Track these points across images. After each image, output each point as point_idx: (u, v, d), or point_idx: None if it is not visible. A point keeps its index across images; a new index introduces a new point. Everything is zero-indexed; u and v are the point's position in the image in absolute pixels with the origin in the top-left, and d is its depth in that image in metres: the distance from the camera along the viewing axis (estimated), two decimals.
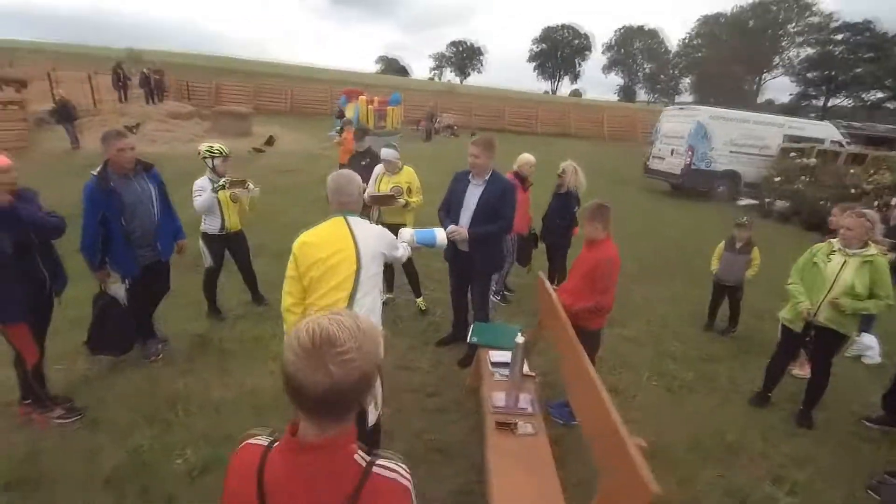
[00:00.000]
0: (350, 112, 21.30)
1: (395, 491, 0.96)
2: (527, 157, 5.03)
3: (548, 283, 3.35)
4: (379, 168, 4.65)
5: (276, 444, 1.00)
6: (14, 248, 2.55)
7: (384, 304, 4.83)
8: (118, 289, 3.29)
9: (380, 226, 2.39)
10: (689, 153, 11.85)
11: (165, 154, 11.83)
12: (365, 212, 4.51)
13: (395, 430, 3.01)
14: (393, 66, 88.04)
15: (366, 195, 4.37)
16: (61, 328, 3.40)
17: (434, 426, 3.14)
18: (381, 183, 4.56)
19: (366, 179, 4.88)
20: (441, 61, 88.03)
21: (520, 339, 2.81)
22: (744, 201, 11.75)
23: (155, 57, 33.08)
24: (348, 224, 2.26)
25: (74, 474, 2.57)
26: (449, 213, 3.71)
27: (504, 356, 3.12)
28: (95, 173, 3.10)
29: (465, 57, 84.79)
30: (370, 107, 21.10)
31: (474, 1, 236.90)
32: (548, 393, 3.60)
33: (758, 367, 3.92)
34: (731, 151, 12.00)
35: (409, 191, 4.52)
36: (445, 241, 3.08)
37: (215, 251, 4.18)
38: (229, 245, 4.26)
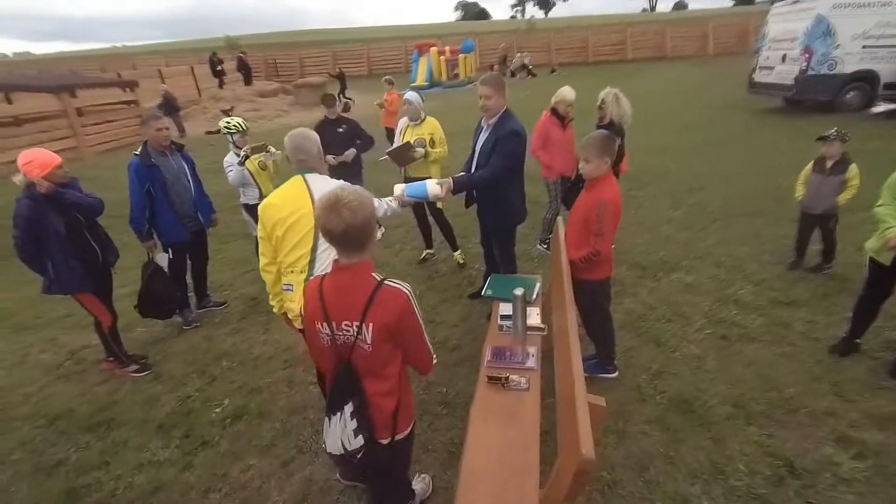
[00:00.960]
0: (422, 66, 21.06)
1: (398, 295, 1.56)
2: (564, 92, 4.55)
3: (561, 231, 3.08)
4: (404, 121, 4.54)
5: (327, 275, 1.63)
6: (66, 229, 2.96)
7: (423, 260, 4.90)
8: (162, 258, 3.70)
9: (341, 181, 2.25)
10: (806, 56, 9.83)
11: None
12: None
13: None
14: (471, 12, 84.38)
15: (382, 158, 4.32)
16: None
17: (447, 379, 3.15)
18: (405, 135, 4.46)
19: (342, 147, 4.84)
20: None
21: (518, 290, 2.63)
22: (881, 107, 9.56)
23: (249, 41, 35.36)
24: (306, 182, 2.25)
25: (137, 419, 3.03)
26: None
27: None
28: (137, 152, 3.48)
29: None
30: (441, 58, 20.64)
31: None
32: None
33: (848, 310, 3.27)
34: (865, 47, 9.71)
35: (433, 142, 4.37)
36: (439, 191, 2.93)
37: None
38: None
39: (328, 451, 1.68)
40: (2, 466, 2.72)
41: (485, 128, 3.33)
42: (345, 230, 1.48)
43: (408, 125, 4.48)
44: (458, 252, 4.79)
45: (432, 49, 20.83)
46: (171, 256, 3.75)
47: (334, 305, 1.56)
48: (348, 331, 1.55)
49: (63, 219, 2.96)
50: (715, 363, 3.15)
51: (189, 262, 4.07)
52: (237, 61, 21.86)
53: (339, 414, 1.60)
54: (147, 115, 3.68)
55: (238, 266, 5.12)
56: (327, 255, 2.22)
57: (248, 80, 21.62)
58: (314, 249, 2.23)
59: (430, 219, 4.74)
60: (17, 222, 2.87)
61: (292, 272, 2.28)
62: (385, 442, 1.68)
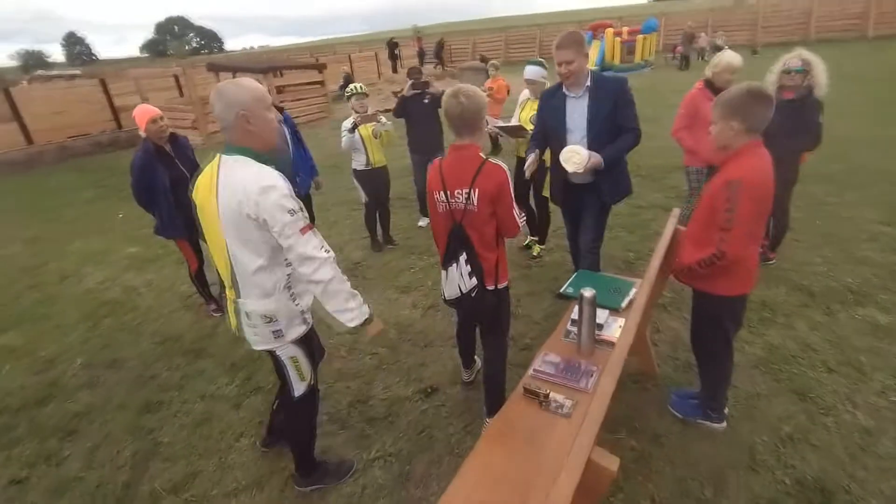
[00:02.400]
0: (594, 50, 19.61)
1: (500, 170, 1.98)
2: (727, 58, 3.58)
3: (672, 223, 2.37)
4: (525, 93, 4.12)
5: (445, 156, 2.10)
6: (171, 182, 3.29)
7: (527, 246, 4.40)
8: None
9: (268, 168, 1.64)
10: None
11: None
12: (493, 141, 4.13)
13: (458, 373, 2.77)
14: None
15: (491, 126, 3.95)
16: None
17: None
18: (525, 109, 4.04)
19: (426, 119, 4.73)
20: None
21: (588, 291, 2.10)
22: None
23: (435, 29, 37.49)
24: (219, 164, 1.67)
25: (220, 354, 3.31)
26: (542, 144, 3.01)
27: (599, 312, 2.42)
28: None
29: None
30: (617, 39, 18.91)
31: None
32: (671, 377, 2.67)
33: None
34: None
35: None
36: (581, 163, 2.67)
37: (366, 186, 4.54)
38: (373, 180, 4.54)
39: (446, 298, 2.25)
40: (119, 370, 3.23)
41: (572, 97, 2.77)
42: (461, 113, 1.96)
43: (528, 98, 4.05)
44: (542, 247, 4.30)
45: (608, 30, 19.20)
46: None
47: (450, 177, 2.04)
48: (460, 197, 2.03)
49: (168, 172, 3.28)
50: (892, 446, 2.14)
51: None
52: (418, 49, 23.34)
53: (454, 264, 2.12)
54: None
55: (355, 231, 5.31)
56: (250, 306, 1.77)
57: (421, 63, 22.92)
58: (233, 279, 1.76)
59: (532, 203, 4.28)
60: (132, 171, 3.25)
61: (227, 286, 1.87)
62: (491, 288, 2.16)
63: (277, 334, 1.83)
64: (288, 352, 1.90)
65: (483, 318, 2.37)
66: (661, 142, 6.02)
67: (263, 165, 1.65)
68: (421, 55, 23.08)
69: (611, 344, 2.25)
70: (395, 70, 22.62)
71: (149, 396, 2.90)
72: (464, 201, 2.02)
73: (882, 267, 3.60)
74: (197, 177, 1.75)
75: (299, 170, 3.98)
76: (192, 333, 3.60)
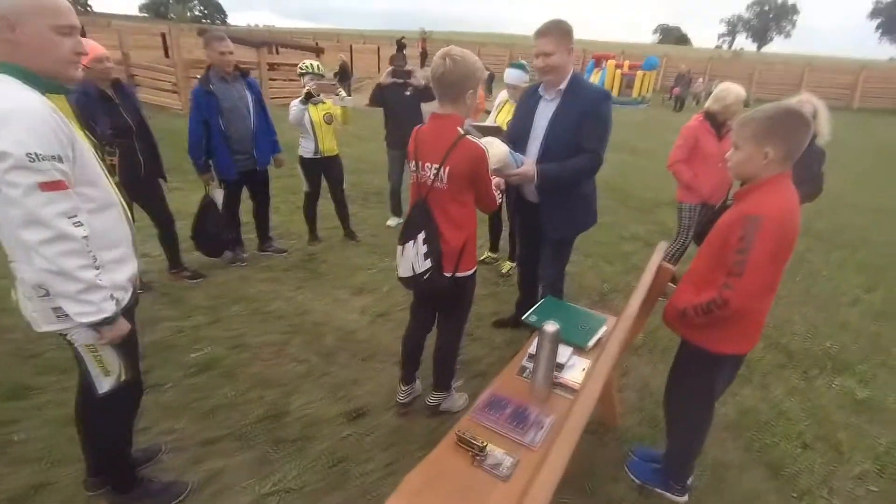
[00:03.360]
0: (594, 77, 19.71)
1: (475, 148, 1.86)
2: (736, 91, 3.35)
3: (657, 257, 2.06)
4: (503, 94, 3.80)
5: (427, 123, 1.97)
6: (113, 131, 2.83)
7: (483, 261, 4.06)
8: (217, 193, 3.50)
9: (26, 93, 1.25)
10: None
11: None
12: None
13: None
14: (672, 35, 78.43)
15: (467, 125, 3.60)
16: None
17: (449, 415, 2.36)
18: (502, 111, 3.72)
19: (407, 110, 4.35)
20: (735, 26, 73.57)
21: (551, 325, 1.76)
22: None
23: (442, 36, 37.35)
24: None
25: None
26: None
27: (562, 353, 2.08)
28: (199, 77, 3.29)
29: (770, 18, 68.49)
30: (618, 71, 19.05)
31: None
32: (634, 431, 2.35)
33: None
34: None
35: None
36: (520, 171, 2.27)
37: (311, 176, 4.09)
38: (324, 169, 4.13)
39: (400, 275, 2.07)
40: None
41: (546, 99, 2.39)
42: (443, 74, 1.80)
43: (506, 100, 3.73)
44: (512, 264, 3.97)
45: (610, 61, 19.37)
46: (224, 192, 3.55)
47: (424, 147, 1.92)
48: (428, 171, 1.90)
49: (110, 120, 2.83)
50: None
51: (254, 202, 3.89)
52: (421, 48, 23.13)
53: (412, 242, 1.95)
54: (209, 34, 3.31)
55: (319, 220, 4.87)
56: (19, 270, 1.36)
57: (422, 64, 22.68)
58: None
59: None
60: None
61: None
62: (448, 274, 1.99)
63: (58, 312, 1.38)
64: (82, 337, 1.45)
65: (438, 302, 2.23)
66: (653, 175, 5.84)
67: (31, 90, 1.23)
68: (423, 56, 22.89)
69: (570, 389, 1.91)
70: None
71: (21, 378, 2.42)
72: (431, 176, 1.90)
73: (862, 335, 3.40)
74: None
75: (258, 142, 3.53)
76: None
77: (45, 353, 2.62)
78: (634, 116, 14.52)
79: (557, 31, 2.20)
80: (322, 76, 3.99)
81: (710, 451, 2.24)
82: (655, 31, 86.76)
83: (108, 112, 2.82)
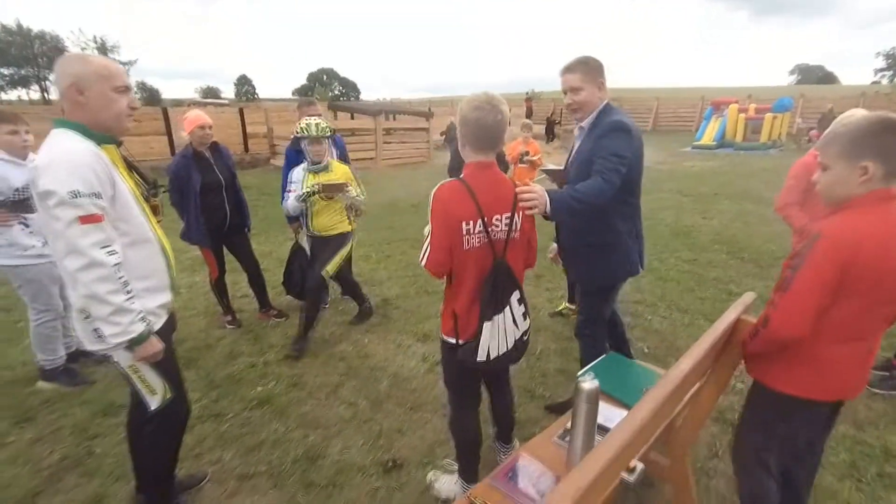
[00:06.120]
0: (713, 127, 18.29)
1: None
2: (852, 114, 2.79)
3: (736, 310, 1.69)
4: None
5: (463, 177, 1.67)
6: (202, 188, 3.25)
7: (561, 313, 3.70)
8: (305, 240, 3.79)
9: (84, 144, 1.48)
10: None
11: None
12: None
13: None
14: (813, 75, 70.65)
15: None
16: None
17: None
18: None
19: None
20: None
21: (589, 381, 1.51)
22: None
23: (550, 95, 38.24)
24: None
25: (204, 368, 3.10)
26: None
27: (612, 413, 1.79)
28: (292, 137, 3.68)
29: None
30: (742, 115, 17.45)
31: None
32: None
33: None
34: None
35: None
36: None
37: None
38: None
39: (484, 359, 1.69)
40: (107, 363, 3.14)
41: (578, 134, 2.21)
42: (498, 123, 1.61)
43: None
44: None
45: (731, 105, 17.88)
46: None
47: (486, 201, 1.62)
48: (499, 224, 1.66)
49: (203, 177, 3.26)
50: None
51: None
52: (527, 107, 23.88)
53: (506, 308, 1.69)
54: (301, 101, 3.70)
55: (402, 268, 5.03)
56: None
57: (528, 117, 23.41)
58: None
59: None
60: (168, 174, 3.26)
61: None
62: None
63: (97, 334, 1.51)
64: (123, 359, 1.61)
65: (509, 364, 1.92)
66: (780, 226, 5.03)
67: (84, 140, 1.47)
68: (529, 113, 23.59)
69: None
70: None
71: (115, 398, 2.74)
72: (504, 228, 1.67)
73: None
74: None
75: None
76: (194, 341, 3.47)
77: None
78: (762, 163, 12.98)
79: (584, 66, 2.08)
80: (320, 136, 3.18)
81: None
82: (792, 72, 78.95)
83: (201, 170, 3.28)
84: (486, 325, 1.66)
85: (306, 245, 3.79)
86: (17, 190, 2.67)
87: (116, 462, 2.24)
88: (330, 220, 3.38)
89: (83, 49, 72.02)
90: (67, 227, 1.37)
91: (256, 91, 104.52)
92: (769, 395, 1.48)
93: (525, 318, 1.76)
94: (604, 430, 1.66)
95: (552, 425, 1.82)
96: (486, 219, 1.62)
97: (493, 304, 1.66)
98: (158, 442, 1.85)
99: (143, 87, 70.60)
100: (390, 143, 15.57)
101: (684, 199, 8.40)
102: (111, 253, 1.44)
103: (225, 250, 3.64)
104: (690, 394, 1.76)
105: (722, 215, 7.18)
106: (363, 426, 2.49)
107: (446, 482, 2.02)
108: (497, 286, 1.66)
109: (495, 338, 1.69)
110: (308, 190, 3.18)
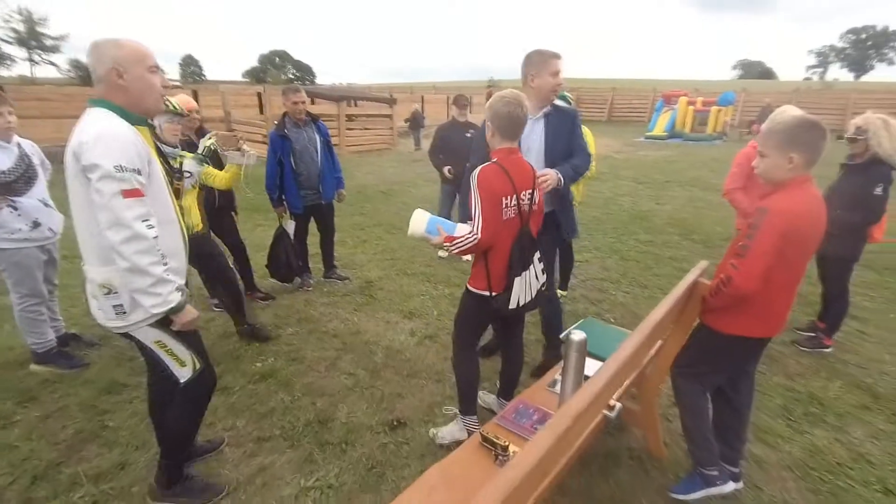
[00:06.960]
0: (664, 118, 19.27)
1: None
2: (783, 111, 3.18)
3: (694, 273, 2.02)
4: None
5: (497, 161, 2.00)
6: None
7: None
8: (289, 225, 3.90)
9: (122, 122, 1.56)
10: None
11: None
12: None
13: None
14: (754, 70, 74.87)
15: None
16: None
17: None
18: None
19: (464, 152, 3.93)
20: (827, 57, 68.81)
21: (577, 334, 1.79)
22: None
23: (509, 84, 38.57)
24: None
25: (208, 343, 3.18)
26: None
27: (592, 366, 2.08)
28: (276, 122, 3.77)
29: (868, 46, 63.36)
30: (690, 108, 18.50)
31: None
32: (682, 463, 2.23)
33: None
34: None
35: None
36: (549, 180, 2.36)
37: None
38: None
39: (515, 306, 2.04)
40: (104, 346, 3.18)
41: (533, 118, 2.49)
42: (519, 116, 1.96)
43: None
44: (564, 292, 3.98)
45: (681, 98, 18.89)
46: (295, 224, 3.95)
47: (518, 179, 1.99)
48: (525, 198, 2.03)
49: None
50: None
51: (320, 233, 4.26)
52: (486, 96, 24.22)
53: (531, 266, 2.07)
54: (287, 87, 3.80)
55: (380, 252, 5.20)
56: (103, 243, 1.54)
57: None
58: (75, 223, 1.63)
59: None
60: None
61: None
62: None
63: (118, 310, 1.61)
64: (148, 335, 1.69)
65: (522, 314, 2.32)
66: (725, 211, 5.57)
67: (122, 120, 1.56)
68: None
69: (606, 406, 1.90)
70: (466, 115, 23.24)
71: (117, 377, 2.81)
72: (528, 202, 2.05)
73: None
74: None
75: (324, 179, 3.94)
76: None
77: (139, 357, 3.02)
78: (709, 152, 13.91)
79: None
80: (182, 115, 2.85)
81: (768, 489, 2.07)
82: (735, 67, 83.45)
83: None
84: (517, 280, 2.02)
85: (289, 229, 3.91)
86: (2, 173, 2.65)
87: (132, 434, 2.34)
88: (197, 216, 3.02)
89: (6, 21, 65.53)
90: (111, 199, 1.46)
91: (204, 72, 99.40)
92: (719, 337, 1.85)
93: (543, 273, 2.15)
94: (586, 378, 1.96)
95: (545, 376, 2.11)
96: (518, 194, 1.99)
97: (521, 262, 2.03)
98: (188, 411, 1.93)
99: (77, 65, 65.52)
100: (353, 129, 15.45)
101: (640, 187, 8.97)
102: (151, 227, 1.53)
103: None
104: (656, 348, 2.10)
105: (674, 201, 7.77)
106: (365, 392, 2.70)
107: (447, 430, 2.28)
108: (524, 248, 2.03)
109: (523, 289, 2.06)
110: (207, 145, 3.06)
